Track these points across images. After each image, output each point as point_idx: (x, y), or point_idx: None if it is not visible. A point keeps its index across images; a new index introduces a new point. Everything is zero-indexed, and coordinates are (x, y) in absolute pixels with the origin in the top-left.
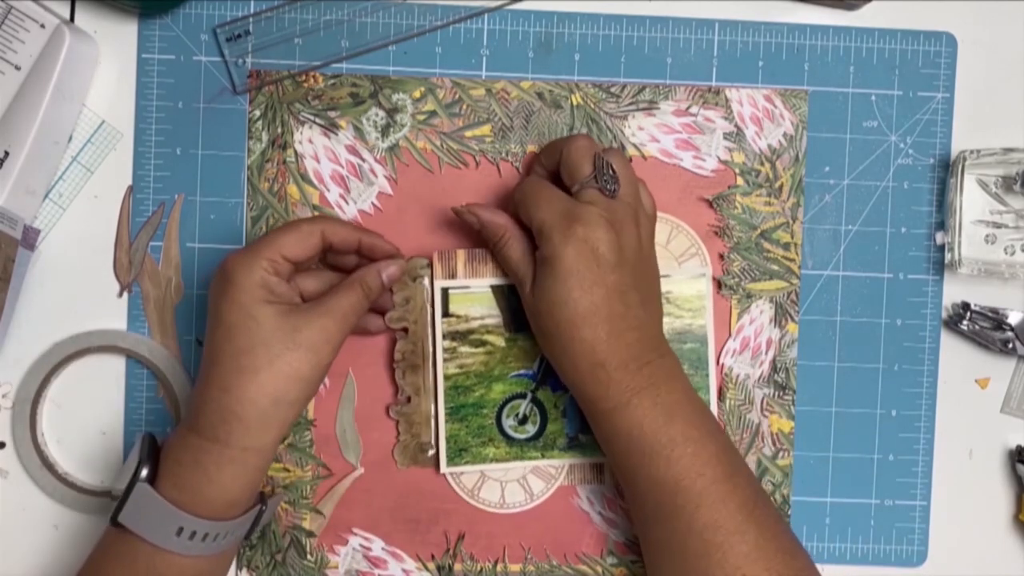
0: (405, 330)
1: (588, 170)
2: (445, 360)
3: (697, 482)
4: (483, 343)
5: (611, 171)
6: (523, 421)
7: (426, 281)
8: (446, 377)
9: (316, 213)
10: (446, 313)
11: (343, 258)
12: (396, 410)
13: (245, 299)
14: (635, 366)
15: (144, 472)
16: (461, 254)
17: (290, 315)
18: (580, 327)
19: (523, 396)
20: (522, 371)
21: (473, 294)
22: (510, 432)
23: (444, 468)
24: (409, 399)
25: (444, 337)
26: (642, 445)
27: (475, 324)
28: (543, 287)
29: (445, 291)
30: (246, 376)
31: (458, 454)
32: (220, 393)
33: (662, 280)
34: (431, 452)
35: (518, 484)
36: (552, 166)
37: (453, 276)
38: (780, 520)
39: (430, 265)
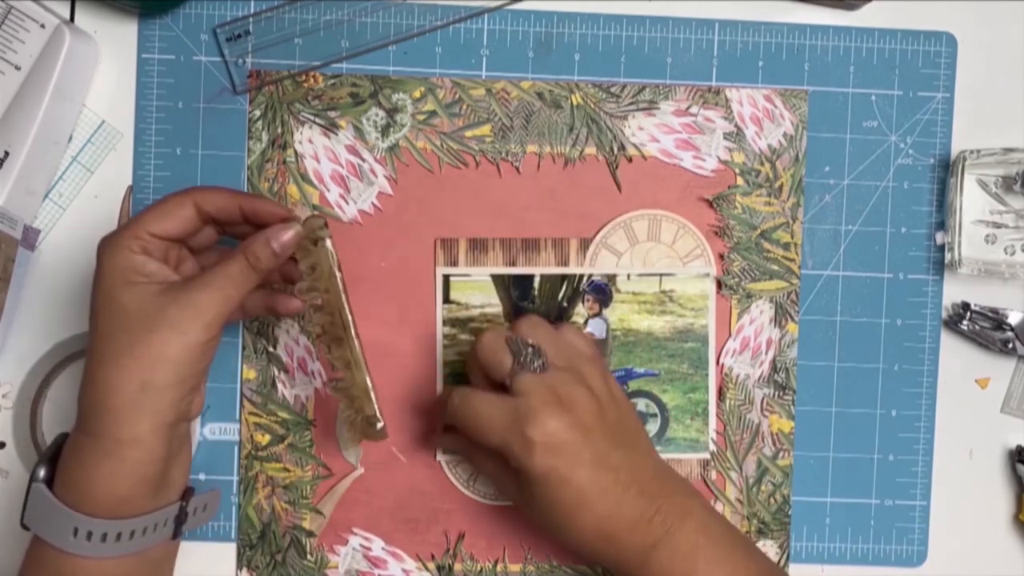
0: (320, 303)
1: (508, 360)
2: (445, 347)
3: None
4: (481, 330)
5: (530, 349)
6: None
7: (328, 243)
8: (445, 364)
9: (316, 213)
10: (446, 300)
11: (235, 228)
12: (332, 386)
13: (108, 282)
14: (643, 523)
15: (41, 472)
16: (463, 242)
17: (159, 295)
18: (576, 516)
19: None
20: None
21: (474, 282)
22: None
23: (439, 456)
24: (342, 375)
25: (444, 324)
26: None
27: (475, 312)
28: (527, 495)
29: (447, 278)
30: (108, 362)
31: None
32: (89, 384)
33: (666, 279)
34: (380, 424)
35: None
36: (480, 372)
37: (455, 264)
38: None
39: (326, 225)
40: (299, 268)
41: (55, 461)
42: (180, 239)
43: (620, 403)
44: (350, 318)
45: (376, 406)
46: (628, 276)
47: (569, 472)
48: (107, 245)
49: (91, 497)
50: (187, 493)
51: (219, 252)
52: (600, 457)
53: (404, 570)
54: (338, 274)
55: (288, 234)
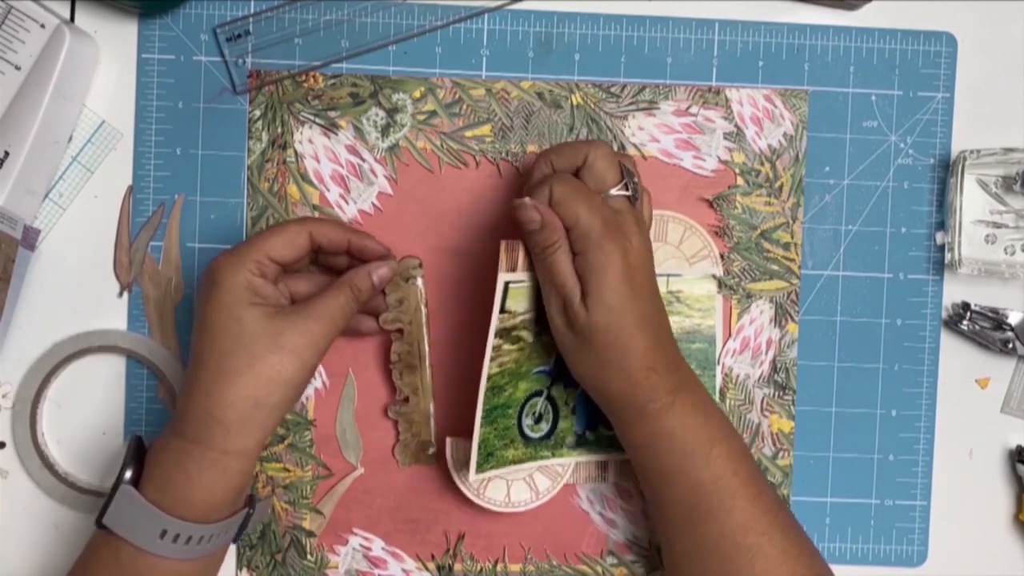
0: (400, 331)
1: (615, 177)
2: (492, 359)
3: (732, 481)
4: (519, 339)
5: (635, 180)
6: (538, 420)
7: (419, 281)
8: (488, 378)
9: (316, 213)
10: (503, 308)
11: (334, 259)
12: (395, 410)
13: (229, 301)
14: (674, 365)
15: (128, 474)
16: (522, 245)
17: (275, 318)
18: (635, 335)
19: (539, 393)
20: (541, 367)
21: (523, 287)
22: (528, 432)
23: (472, 476)
24: (407, 399)
25: (496, 335)
26: (683, 445)
27: (519, 320)
28: (597, 297)
29: (507, 285)
30: (227, 379)
31: (486, 459)
32: (202, 396)
33: (673, 280)
34: (432, 450)
35: (524, 482)
36: (567, 168)
37: (514, 268)
38: (799, 524)
39: (421, 265)
40: (386, 300)
41: (139, 461)
42: (289, 264)
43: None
44: (427, 350)
45: (433, 433)
46: None
47: (641, 288)
48: (227, 265)
49: (187, 502)
50: (250, 500)
51: (307, 278)
52: (655, 292)
53: (404, 570)
54: (424, 310)
55: (386, 271)
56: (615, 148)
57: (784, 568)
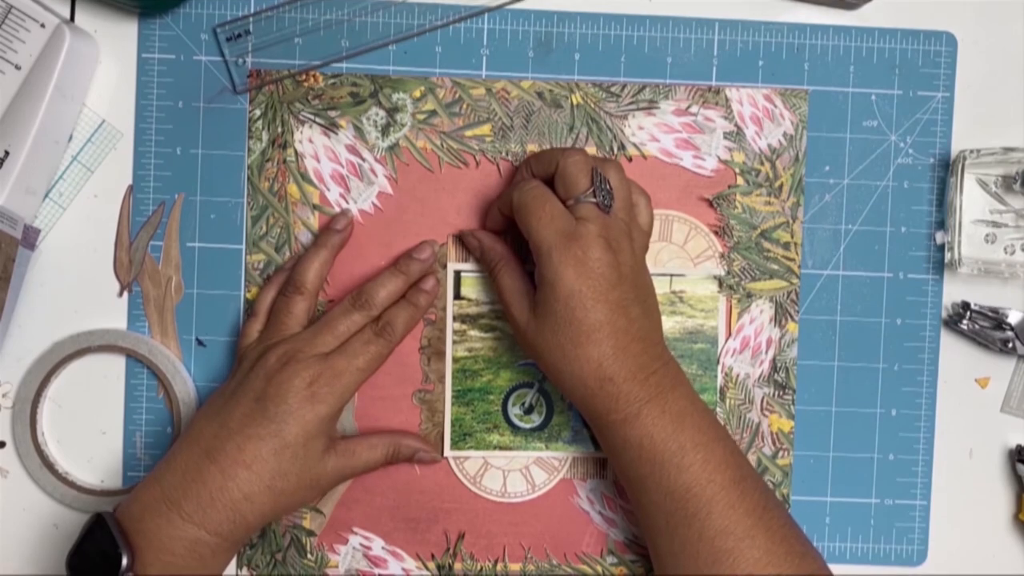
0: (432, 317)
1: (585, 185)
2: (454, 343)
3: (707, 488)
4: (493, 328)
5: (607, 187)
6: (529, 411)
7: (451, 269)
8: (454, 360)
9: (317, 213)
10: (457, 295)
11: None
12: (419, 397)
13: (314, 429)
14: (642, 376)
15: (125, 560)
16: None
17: (325, 457)
18: (585, 345)
19: (530, 385)
20: (528, 360)
21: (476, 277)
22: (515, 421)
23: (447, 452)
24: (432, 387)
25: (454, 319)
26: (652, 455)
27: (485, 308)
28: (545, 308)
29: (458, 273)
30: (275, 496)
31: (462, 438)
32: (241, 500)
33: (676, 280)
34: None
35: (520, 474)
36: (544, 174)
37: (466, 259)
38: (790, 523)
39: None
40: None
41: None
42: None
43: (648, 276)
44: (452, 338)
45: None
46: None
47: (592, 301)
48: (336, 407)
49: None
50: None
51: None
52: (623, 303)
53: (404, 569)
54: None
55: (426, 455)
56: (614, 148)
57: (768, 569)
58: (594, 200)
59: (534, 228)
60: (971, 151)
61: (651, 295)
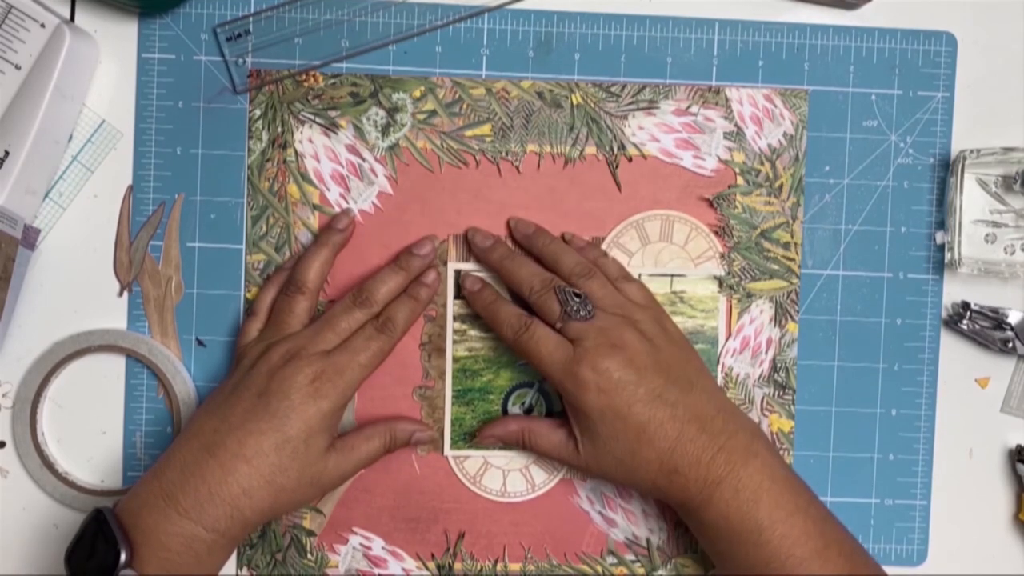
0: (433, 313)
1: (556, 309)
2: (455, 342)
3: (787, 563)
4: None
5: (576, 299)
6: (529, 410)
7: (451, 267)
8: (455, 359)
9: (317, 213)
10: (458, 295)
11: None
12: (420, 393)
13: (316, 425)
14: (707, 458)
15: (124, 557)
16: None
17: (326, 455)
18: (640, 450)
19: (530, 385)
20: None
21: (487, 277)
22: None
23: (447, 451)
24: (433, 384)
25: (454, 319)
26: (729, 535)
27: None
28: (587, 435)
29: (458, 273)
30: (275, 492)
31: (462, 438)
32: (240, 496)
33: (677, 280)
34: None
35: (520, 474)
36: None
37: (469, 259)
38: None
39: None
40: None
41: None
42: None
43: (678, 343)
44: (452, 335)
45: (450, 421)
46: (639, 276)
47: (626, 408)
48: (341, 391)
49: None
50: None
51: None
52: (655, 394)
53: (404, 569)
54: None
55: (425, 436)
56: (614, 148)
57: None
58: (573, 320)
59: (543, 370)
60: (971, 151)
61: (688, 366)
